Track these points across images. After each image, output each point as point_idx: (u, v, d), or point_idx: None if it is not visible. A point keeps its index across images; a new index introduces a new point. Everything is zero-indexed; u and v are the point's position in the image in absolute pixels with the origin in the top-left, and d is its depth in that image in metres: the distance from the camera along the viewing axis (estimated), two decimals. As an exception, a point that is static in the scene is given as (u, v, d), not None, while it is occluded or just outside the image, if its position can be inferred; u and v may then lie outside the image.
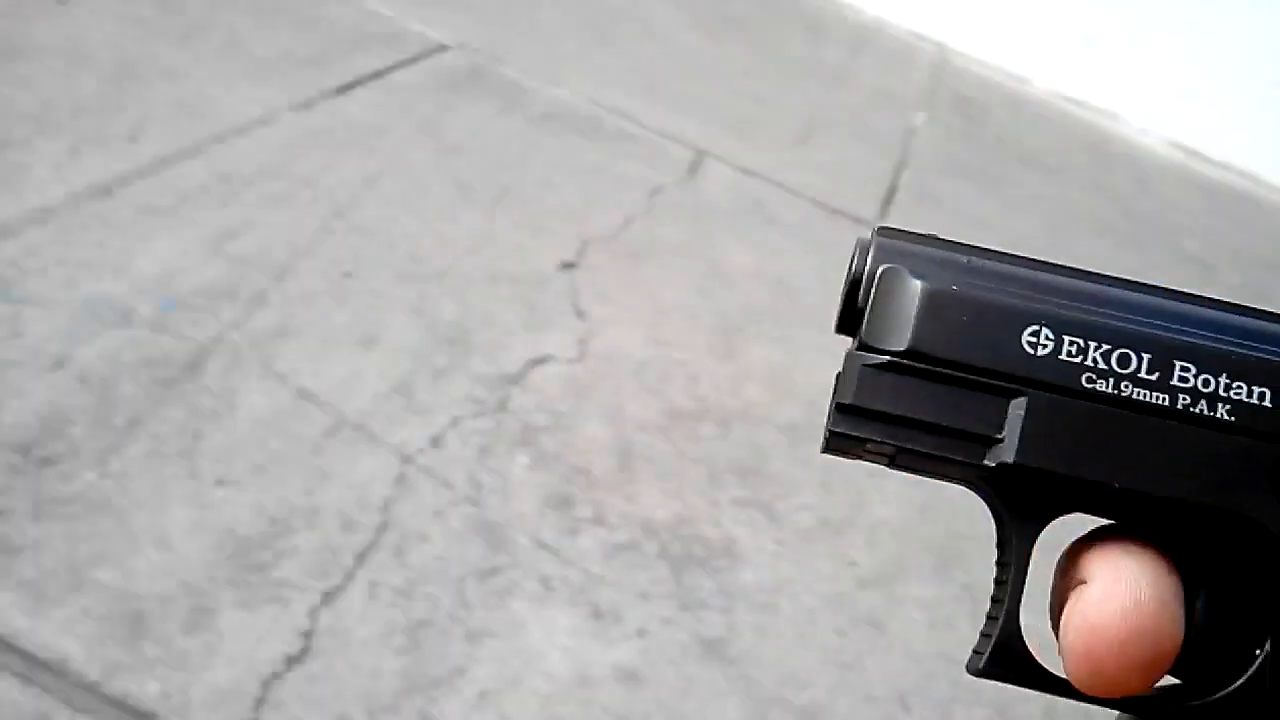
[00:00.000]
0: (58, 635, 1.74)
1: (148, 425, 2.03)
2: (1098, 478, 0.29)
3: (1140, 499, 0.29)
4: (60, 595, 1.78)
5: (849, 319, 0.31)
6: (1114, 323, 0.30)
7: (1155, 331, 0.30)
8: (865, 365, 0.30)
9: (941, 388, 0.29)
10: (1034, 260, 0.32)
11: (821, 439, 0.32)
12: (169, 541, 1.88)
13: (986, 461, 0.29)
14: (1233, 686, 0.30)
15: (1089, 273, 0.31)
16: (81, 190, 2.54)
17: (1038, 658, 0.31)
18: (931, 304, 0.29)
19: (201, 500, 1.95)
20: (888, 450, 0.30)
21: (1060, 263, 0.32)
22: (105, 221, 2.48)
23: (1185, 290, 0.31)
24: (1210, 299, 0.31)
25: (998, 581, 0.31)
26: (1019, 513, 0.30)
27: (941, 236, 0.32)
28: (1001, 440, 0.29)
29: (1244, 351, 0.29)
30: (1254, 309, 0.32)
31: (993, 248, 0.32)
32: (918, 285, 0.29)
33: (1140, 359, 0.29)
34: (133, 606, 1.80)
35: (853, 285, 0.31)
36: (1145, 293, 0.31)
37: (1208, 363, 0.29)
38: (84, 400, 2.03)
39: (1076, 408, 0.29)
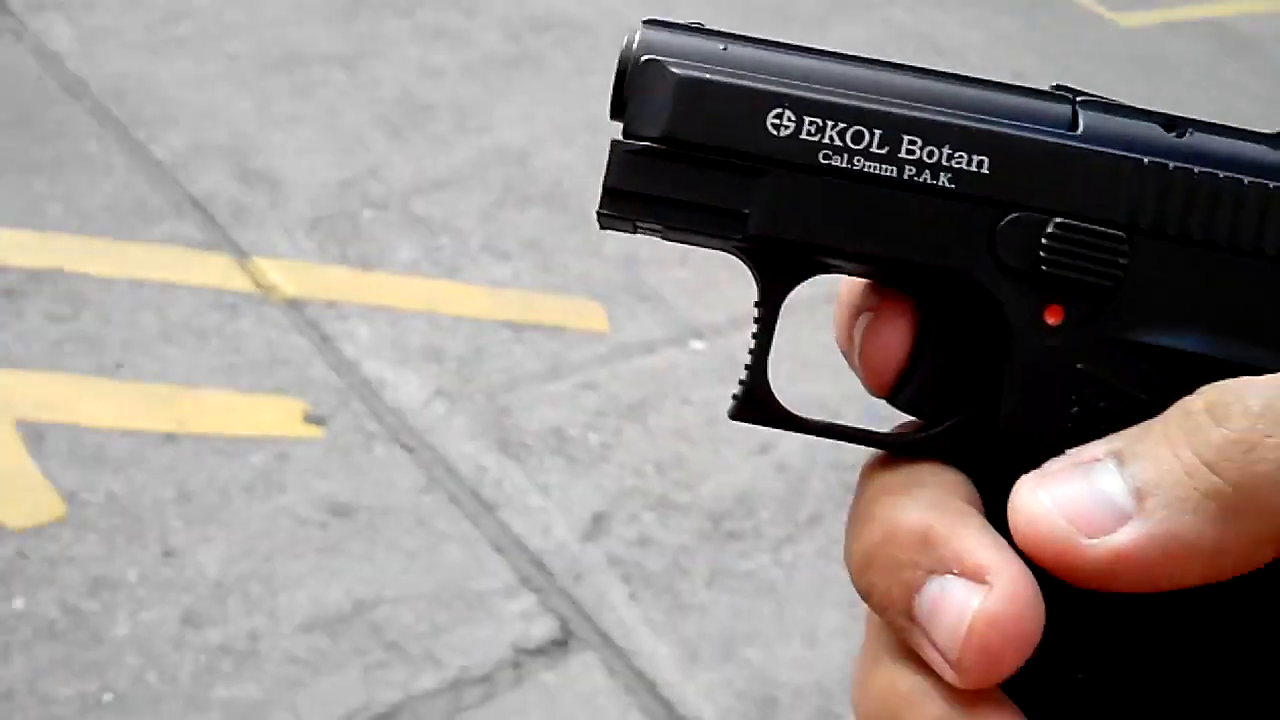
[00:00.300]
0: (699, 697, 1.89)
1: (826, 525, 2.14)
2: (832, 243, 0.32)
3: (871, 260, 0.33)
4: (711, 662, 1.94)
5: (618, 107, 0.34)
6: (851, 102, 0.32)
7: (888, 109, 0.32)
8: (626, 151, 0.33)
9: (695, 170, 0.33)
10: (789, 45, 0.34)
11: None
12: (815, 638, 1.97)
13: (735, 235, 0.32)
14: (949, 423, 0.33)
15: (838, 54, 0.34)
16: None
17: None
18: (684, 92, 0.32)
19: (854, 609, 2.02)
20: (656, 227, 0.34)
21: (816, 46, 0.34)
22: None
23: (928, 67, 0.33)
24: (950, 74, 0.33)
25: (754, 336, 0.34)
26: (769, 277, 0.33)
27: (705, 26, 0.34)
28: (748, 215, 0.32)
29: (967, 123, 0.32)
30: (989, 81, 0.33)
31: (755, 35, 0.34)
32: (673, 74, 0.32)
33: (872, 135, 0.32)
34: (769, 691, 1.91)
35: (619, 75, 0.34)
36: (887, 71, 0.33)
37: (933, 135, 0.31)
38: (777, 487, 2.19)
39: (814, 183, 0.32)
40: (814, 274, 0.34)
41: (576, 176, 3.23)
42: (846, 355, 0.36)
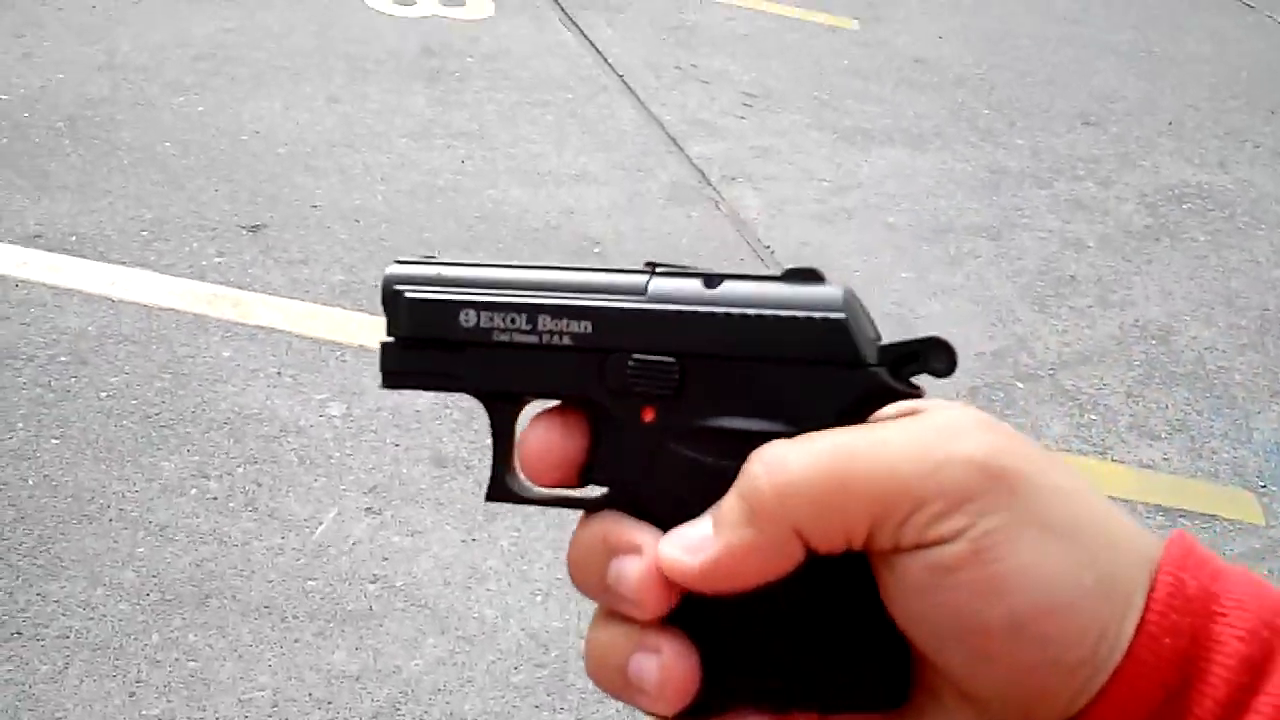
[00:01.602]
0: None
1: None
2: (512, 389, 0.48)
3: (539, 395, 0.48)
4: None
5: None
6: (507, 299, 0.47)
7: (529, 299, 0.47)
8: (386, 344, 0.49)
9: (425, 352, 0.48)
10: (481, 264, 0.49)
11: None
12: None
13: (461, 389, 0.48)
14: (614, 489, 0.47)
15: (510, 265, 0.48)
16: None
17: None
18: (408, 307, 0.48)
19: None
20: (418, 388, 0.50)
21: (499, 262, 0.49)
22: None
23: (563, 265, 0.48)
24: (576, 267, 0.48)
25: (493, 447, 0.50)
26: (493, 410, 0.49)
27: (434, 258, 0.49)
28: (463, 376, 0.48)
29: (575, 302, 0.47)
30: (600, 268, 0.47)
31: (462, 261, 0.49)
32: (404, 297, 0.48)
33: (521, 317, 0.47)
34: None
35: (383, 300, 0.49)
36: (537, 271, 0.47)
37: (557, 312, 0.47)
38: None
39: (494, 352, 0.47)
40: (520, 405, 0.49)
41: (1220, 357, 3.28)
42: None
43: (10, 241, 3.01)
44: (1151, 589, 0.39)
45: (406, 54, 4.26)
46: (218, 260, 3.05)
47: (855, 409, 0.44)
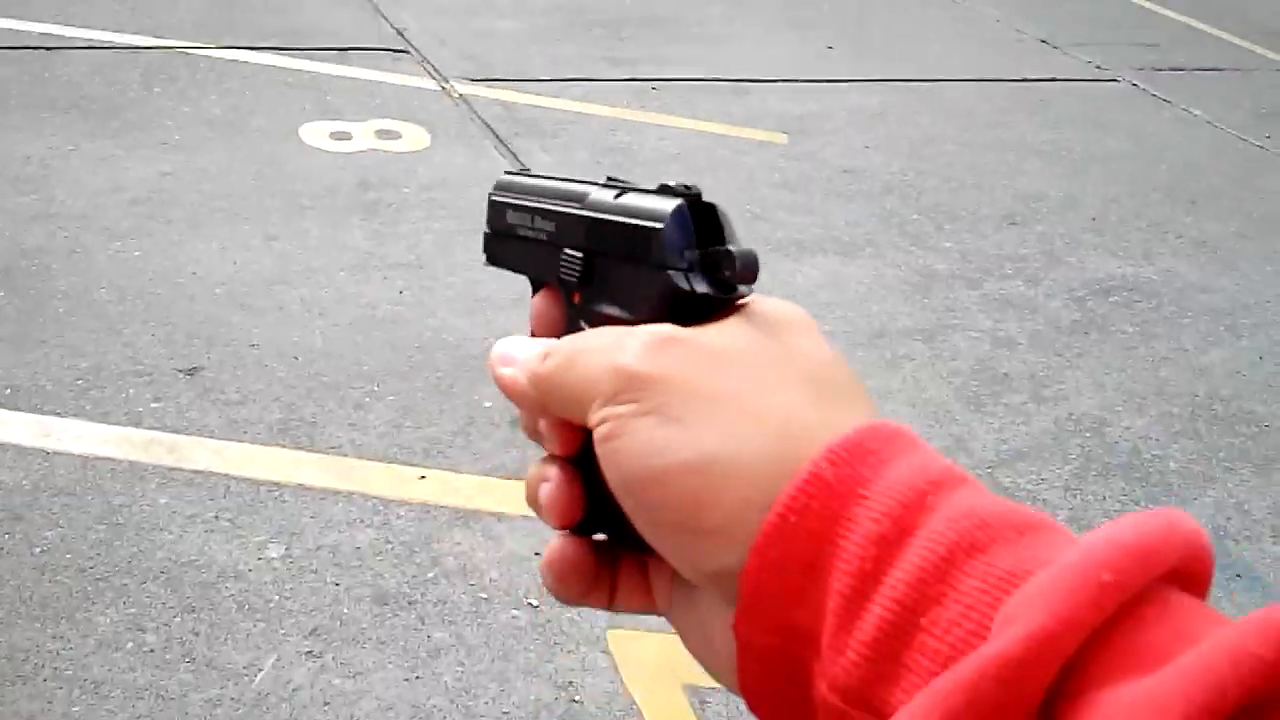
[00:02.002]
0: None
1: None
2: (524, 271, 0.59)
3: (534, 278, 0.58)
4: None
5: None
6: (527, 203, 0.58)
7: (535, 204, 0.57)
8: (485, 233, 0.61)
9: (495, 239, 0.60)
10: (545, 176, 0.58)
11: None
12: None
13: (512, 267, 0.61)
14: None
15: (557, 177, 0.58)
16: None
17: None
18: (488, 206, 0.60)
19: None
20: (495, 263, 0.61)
21: (558, 175, 0.58)
22: None
23: (580, 179, 0.56)
24: (581, 180, 0.56)
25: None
26: (530, 281, 0.59)
27: (527, 171, 0.61)
28: (509, 260, 0.60)
29: (549, 206, 0.56)
30: (590, 181, 0.55)
31: (537, 173, 0.59)
32: (489, 197, 0.60)
33: (528, 218, 0.57)
34: None
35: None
36: (562, 182, 0.57)
37: (540, 214, 0.57)
38: None
39: (519, 244, 0.58)
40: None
41: (1154, 445, 3.33)
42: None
43: (-57, 397, 3.00)
44: (794, 475, 0.43)
45: (343, 188, 4.32)
46: (154, 405, 3.05)
47: (661, 306, 0.50)
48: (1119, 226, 4.63)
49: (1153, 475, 3.22)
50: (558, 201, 0.56)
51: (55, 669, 2.26)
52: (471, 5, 6.48)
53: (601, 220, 0.53)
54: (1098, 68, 6.48)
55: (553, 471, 0.52)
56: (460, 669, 2.39)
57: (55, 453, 2.85)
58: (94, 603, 2.43)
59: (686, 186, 0.51)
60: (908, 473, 0.42)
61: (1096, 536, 0.38)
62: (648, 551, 0.49)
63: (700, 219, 0.51)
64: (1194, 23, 7.46)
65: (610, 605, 0.53)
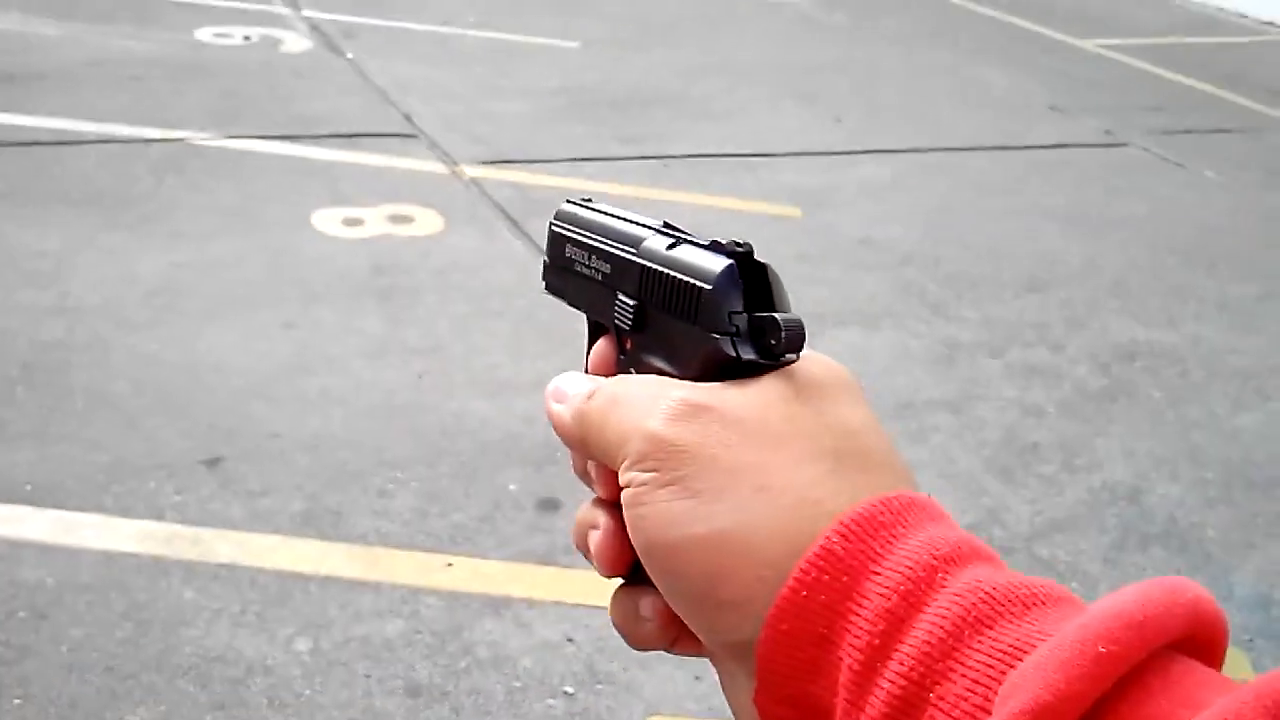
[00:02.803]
0: None
1: None
2: (580, 308, 0.59)
3: (590, 316, 0.58)
4: None
5: None
6: (587, 240, 0.57)
7: (593, 242, 0.56)
8: (544, 261, 0.61)
9: (553, 271, 0.60)
10: (606, 211, 0.58)
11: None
12: None
13: (570, 301, 0.61)
14: None
15: (615, 214, 0.57)
16: None
17: None
18: (548, 236, 0.60)
19: None
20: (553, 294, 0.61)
21: (619, 212, 0.57)
22: None
23: (639, 221, 0.56)
24: (639, 222, 0.56)
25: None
26: (586, 317, 0.59)
27: (589, 203, 0.59)
28: (568, 293, 0.60)
29: (607, 247, 0.56)
30: (648, 225, 0.55)
31: (598, 207, 0.58)
32: (550, 227, 0.60)
33: (585, 255, 0.57)
34: None
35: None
36: (620, 221, 0.56)
37: (598, 254, 0.56)
38: None
39: (577, 280, 0.58)
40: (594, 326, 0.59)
41: (1191, 513, 3.27)
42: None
43: (-36, 496, 2.96)
44: (807, 549, 0.44)
45: (358, 274, 4.31)
46: (176, 498, 3.01)
47: (706, 368, 0.50)
48: (1140, 291, 4.60)
49: (1191, 544, 3.16)
50: (615, 243, 0.56)
51: (83, 775, 2.20)
52: (478, 89, 6.53)
53: (653, 271, 0.53)
54: (1107, 132, 6.50)
55: (601, 518, 0.52)
56: (497, 763, 2.32)
57: (78, 549, 2.80)
58: (123, 701, 2.37)
59: (738, 243, 0.50)
60: (918, 547, 0.43)
61: (1098, 607, 0.39)
62: None
63: (750, 278, 0.50)
64: (1199, 85, 7.51)
65: (671, 648, 0.53)
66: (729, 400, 0.48)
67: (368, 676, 2.50)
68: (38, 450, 3.16)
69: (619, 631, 0.53)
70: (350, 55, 7.00)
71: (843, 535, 0.43)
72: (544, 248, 0.62)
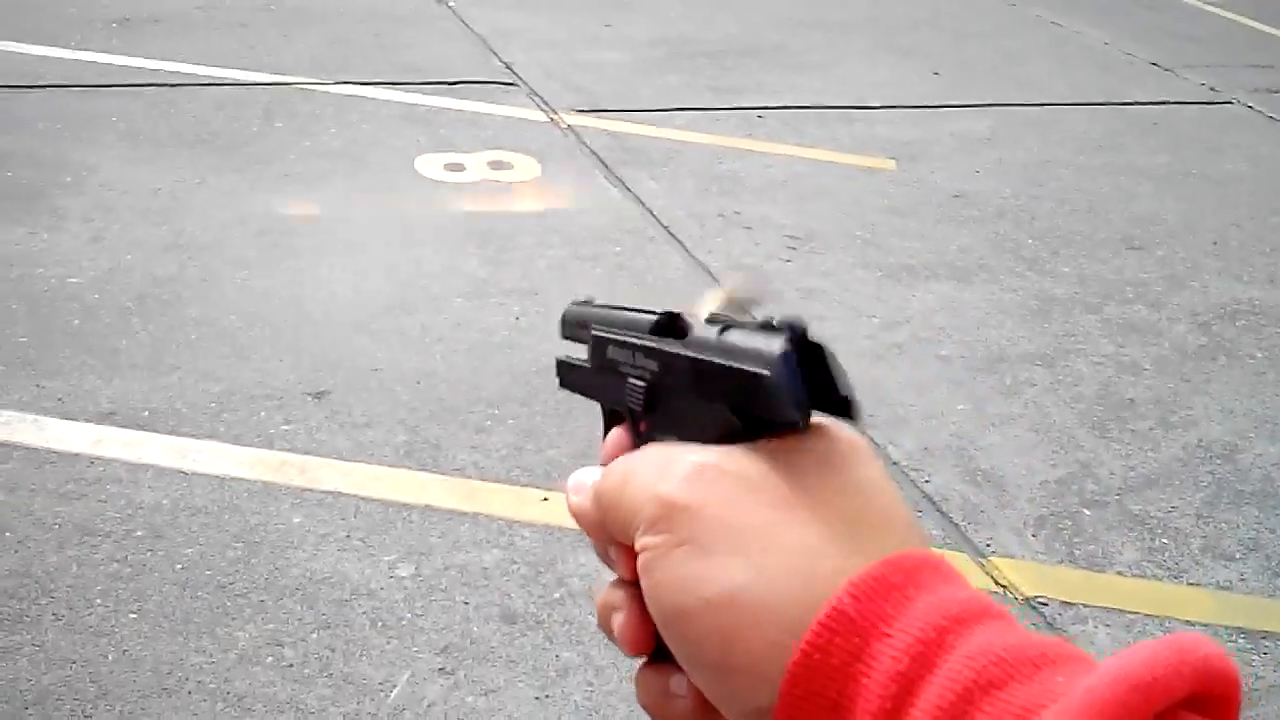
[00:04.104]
0: None
1: None
2: (602, 400, 0.60)
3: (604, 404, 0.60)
4: None
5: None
6: (603, 335, 0.59)
7: (611, 336, 0.58)
8: (560, 361, 0.64)
9: (581, 369, 0.62)
10: (613, 307, 0.60)
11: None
12: None
13: (585, 393, 0.63)
14: None
15: (626, 308, 0.59)
16: None
17: None
18: (595, 344, 0.60)
19: None
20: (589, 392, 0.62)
21: (628, 306, 0.59)
22: None
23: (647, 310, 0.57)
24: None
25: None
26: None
27: (593, 302, 0.63)
28: (582, 386, 0.63)
29: (629, 340, 0.56)
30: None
31: (603, 304, 0.62)
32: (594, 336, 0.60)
33: (613, 350, 0.58)
34: None
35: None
36: (634, 313, 0.58)
37: (621, 346, 0.57)
38: None
39: (606, 377, 0.58)
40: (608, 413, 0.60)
41: (1289, 474, 3.24)
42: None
43: (85, 420, 3.09)
44: (817, 613, 0.43)
45: (458, 218, 4.39)
46: (285, 428, 3.12)
47: (721, 439, 0.50)
48: (1241, 250, 4.53)
49: (1288, 503, 3.13)
50: (654, 340, 0.55)
51: (199, 682, 2.31)
52: (576, 39, 6.56)
53: (704, 362, 0.50)
54: (1211, 90, 6.36)
55: (622, 599, 0.52)
56: (589, 689, 2.39)
57: (193, 473, 2.92)
58: (234, 618, 2.48)
59: (791, 325, 0.47)
60: (928, 608, 0.43)
61: (1106, 669, 0.39)
62: None
63: (806, 356, 0.47)
64: (1310, 44, 7.30)
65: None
66: (738, 461, 0.48)
67: (466, 603, 2.58)
68: (153, 379, 3.29)
69: (649, 712, 0.52)
70: (452, 3, 7.06)
71: (854, 597, 0.43)
72: (582, 315, 0.63)
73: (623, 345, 0.57)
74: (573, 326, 0.64)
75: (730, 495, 0.47)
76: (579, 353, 0.63)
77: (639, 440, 0.55)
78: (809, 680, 0.43)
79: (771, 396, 0.46)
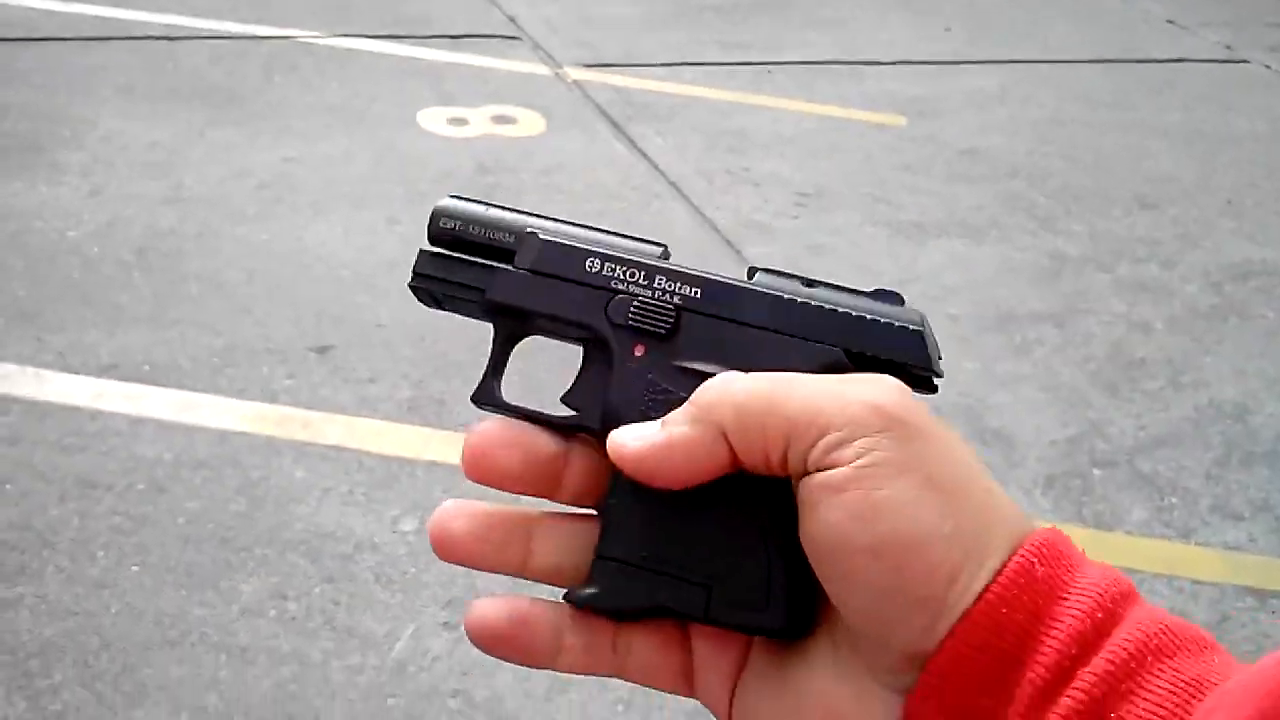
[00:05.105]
0: None
1: None
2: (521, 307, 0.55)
3: (548, 319, 0.54)
4: None
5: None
6: (607, 254, 0.53)
7: (639, 261, 0.53)
8: (425, 251, 0.55)
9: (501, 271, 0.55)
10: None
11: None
12: None
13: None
14: (586, 410, 0.53)
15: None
16: None
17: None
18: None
19: None
20: (441, 299, 0.56)
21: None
22: None
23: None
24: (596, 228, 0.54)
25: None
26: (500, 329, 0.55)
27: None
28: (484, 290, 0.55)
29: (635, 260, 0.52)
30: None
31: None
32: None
33: (626, 270, 0.53)
34: None
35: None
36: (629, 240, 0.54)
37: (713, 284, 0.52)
38: None
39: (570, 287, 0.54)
40: (528, 329, 0.55)
41: (1300, 435, 3.21)
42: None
43: (86, 373, 3.06)
44: (1004, 564, 0.44)
45: (461, 173, 4.34)
46: (287, 382, 3.09)
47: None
48: (1256, 210, 4.48)
49: (1300, 464, 3.10)
50: (686, 267, 0.53)
51: (202, 634, 2.30)
52: (582, -8, 6.48)
53: (866, 320, 0.51)
54: (1227, 48, 6.28)
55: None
56: (595, 645, 2.38)
57: (195, 427, 2.90)
58: (237, 571, 2.46)
59: (898, 295, 0.53)
60: (1101, 577, 0.44)
61: (1268, 660, 0.40)
62: (697, 617, 0.49)
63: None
64: (1325, 2, 7.20)
65: (623, 674, 0.52)
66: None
67: (471, 558, 2.56)
68: (154, 333, 3.26)
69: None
70: (454, -44, 6.98)
71: (1040, 558, 0.44)
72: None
73: (623, 263, 0.53)
74: (479, 226, 0.55)
75: (940, 430, 0.46)
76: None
77: (633, 367, 0.52)
78: (988, 631, 0.43)
79: (929, 351, 0.51)
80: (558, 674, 2.02)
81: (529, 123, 4.81)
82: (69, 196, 3.96)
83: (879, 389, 0.46)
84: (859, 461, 0.44)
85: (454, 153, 4.52)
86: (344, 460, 2.83)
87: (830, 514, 0.44)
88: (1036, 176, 4.64)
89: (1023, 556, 0.44)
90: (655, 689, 0.51)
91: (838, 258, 3.90)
